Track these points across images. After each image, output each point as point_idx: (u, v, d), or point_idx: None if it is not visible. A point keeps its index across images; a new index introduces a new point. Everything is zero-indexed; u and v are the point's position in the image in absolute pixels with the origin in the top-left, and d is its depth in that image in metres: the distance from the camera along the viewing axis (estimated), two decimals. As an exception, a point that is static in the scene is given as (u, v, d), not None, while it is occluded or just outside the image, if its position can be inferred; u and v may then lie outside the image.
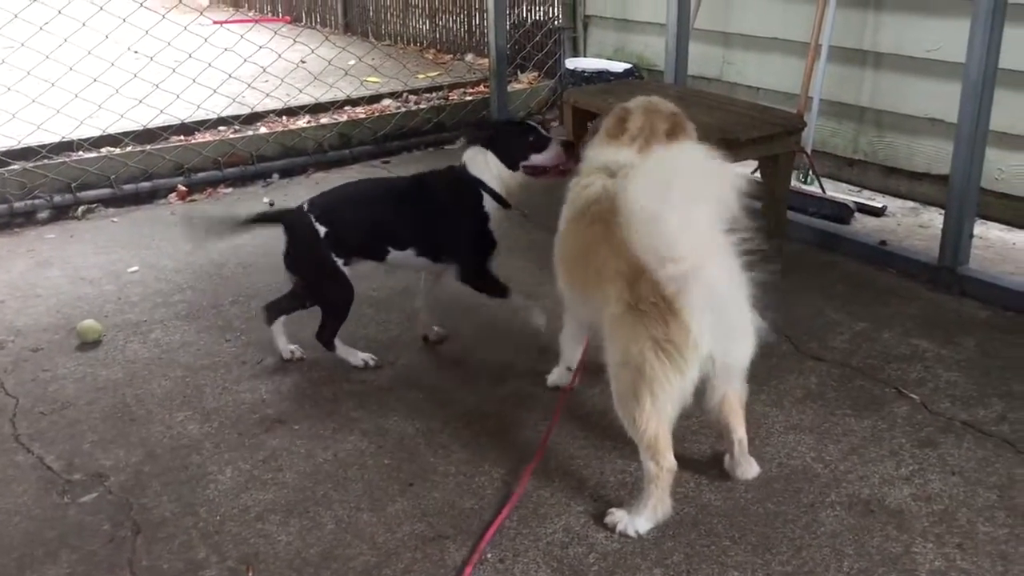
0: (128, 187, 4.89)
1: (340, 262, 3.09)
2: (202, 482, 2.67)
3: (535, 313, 3.19)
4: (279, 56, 5.88)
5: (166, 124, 5.24)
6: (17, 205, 4.61)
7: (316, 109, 5.76)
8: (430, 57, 7.57)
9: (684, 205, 2.10)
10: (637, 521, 2.40)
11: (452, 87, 6.42)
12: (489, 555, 2.35)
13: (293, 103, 5.74)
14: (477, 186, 3.11)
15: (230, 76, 5.50)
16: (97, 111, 5.08)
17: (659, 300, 2.22)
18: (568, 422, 2.88)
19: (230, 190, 5.09)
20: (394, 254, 3.13)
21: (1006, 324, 3.44)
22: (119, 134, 5.09)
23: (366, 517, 2.51)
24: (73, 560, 2.38)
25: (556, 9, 6.61)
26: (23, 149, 4.82)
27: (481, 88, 6.34)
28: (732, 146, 3.37)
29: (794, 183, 4.42)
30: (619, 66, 5.80)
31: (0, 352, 3.40)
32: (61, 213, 4.72)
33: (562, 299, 2.78)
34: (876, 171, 4.86)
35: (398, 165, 5.45)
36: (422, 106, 5.96)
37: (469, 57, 7.41)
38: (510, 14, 6.48)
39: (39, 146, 4.85)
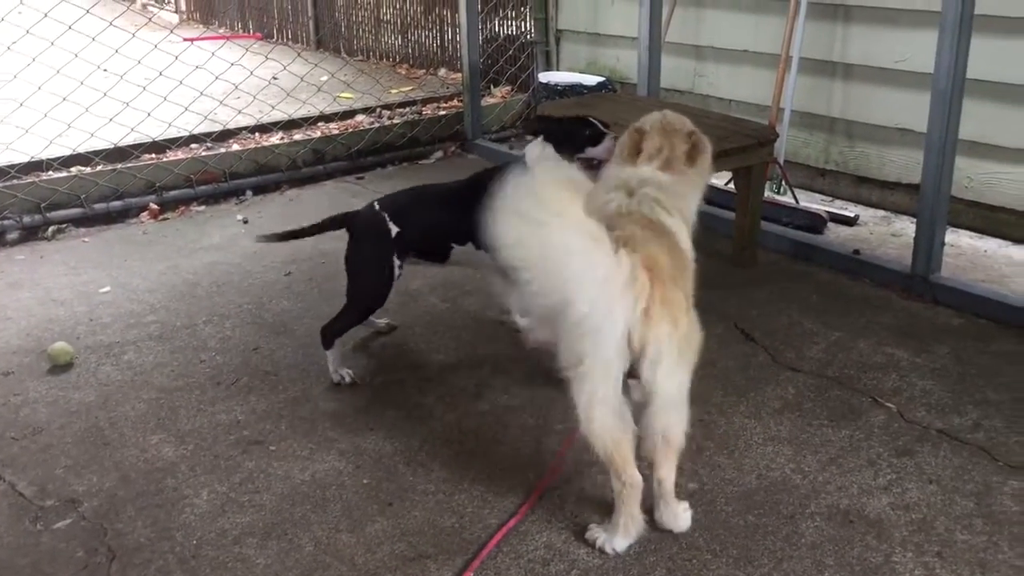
0: (99, 206, 4.84)
1: (397, 264, 3.15)
2: (178, 506, 2.63)
3: None
4: (251, 73, 5.85)
5: (137, 142, 5.19)
6: (-14, 226, 4.56)
7: (289, 125, 5.74)
8: (403, 72, 7.57)
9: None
10: (614, 539, 2.39)
11: (425, 102, 6.41)
12: (471, 574, 2.33)
13: (266, 120, 5.72)
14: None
15: (201, 94, 5.47)
16: (67, 130, 5.03)
17: None
18: (548, 437, 2.87)
19: (203, 208, 5.06)
20: (456, 249, 3.19)
21: (979, 331, 3.48)
22: (89, 153, 5.04)
23: (345, 538, 2.49)
24: (46, 589, 2.34)
25: (528, 23, 6.62)
26: (-8, 169, 4.77)
27: (455, 102, 6.34)
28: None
29: (767, 194, 4.45)
30: (592, 79, 5.83)
31: (-31, 377, 3.35)
32: (31, 234, 4.66)
33: None
34: (848, 181, 4.90)
35: (372, 181, 5.43)
36: (395, 121, 5.95)
37: (442, 72, 7.42)
38: (483, 29, 6.48)
39: (8, 166, 4.79)
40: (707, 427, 2.90)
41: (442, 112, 6.17)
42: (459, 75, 6.47)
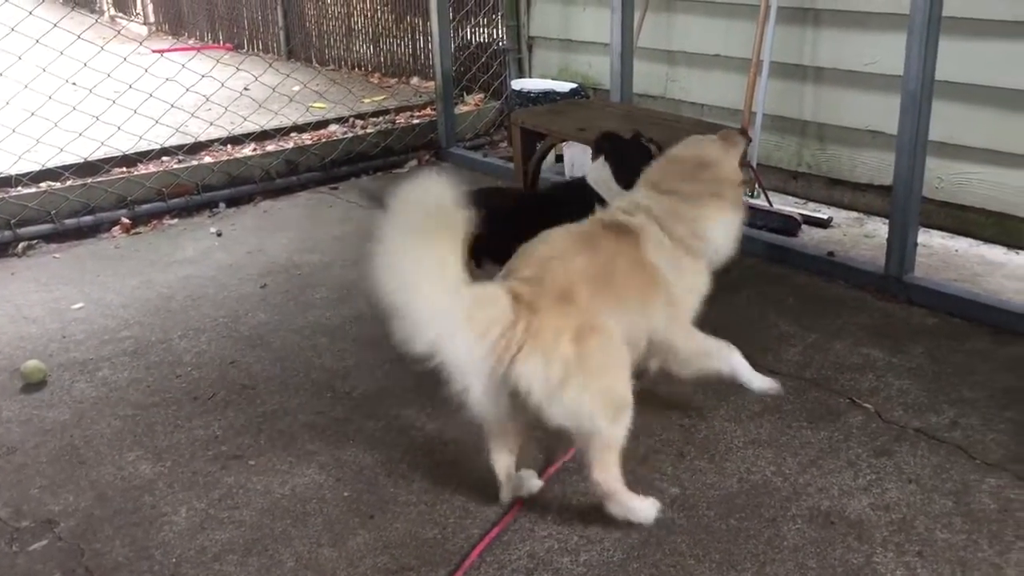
0: (70, 222, 4.78)
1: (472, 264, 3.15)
2: (156, 524, 2.60)
3: None
4: (222, 84, 5.81)
5: (108, 156, 5.13)
6: (-45, 244, 4.49)
7: (262, 137, 5.69)
8: (375, 81, 7.54)
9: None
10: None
11: (399, 111, 6.39)
12: (454, 586, 2.33)
13: (238, 131, 5.67)
14: (592, 196, 3.23)
15: (172, 106, 5.41)
16: (36, 145, 4.96)
17: None
18: (528, 445, 2.86)
19: (175, 221, 5.01)
20: None
21: (953, 330, 3.51)
22: (59, 168, 4.97)
23: (327, 552, 2.47)
24: (23, 612, 2.30)
25: (500, 31, 6.62)
26: (-41, 186, 4.70)
27: (428, 111, 6.32)
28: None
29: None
30: (565, 86, 5.83)
31: (-60, 397, 3.30)
32: (0, 251, 4.60)
33: None
34: (820, 183, 4.94)
35: (346, 191, 5.41)
36: (369, 130, 5.92)
37: (415, 80, 7.40)
38: (454, 37, 6.48)
39: (-25, 183, 4.73)
40: (688, 432, 2.91)
41: (415, 121, 6.15)
42: (432, 83, 6.46)
